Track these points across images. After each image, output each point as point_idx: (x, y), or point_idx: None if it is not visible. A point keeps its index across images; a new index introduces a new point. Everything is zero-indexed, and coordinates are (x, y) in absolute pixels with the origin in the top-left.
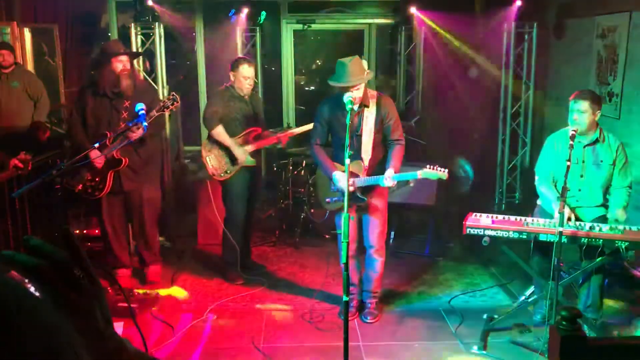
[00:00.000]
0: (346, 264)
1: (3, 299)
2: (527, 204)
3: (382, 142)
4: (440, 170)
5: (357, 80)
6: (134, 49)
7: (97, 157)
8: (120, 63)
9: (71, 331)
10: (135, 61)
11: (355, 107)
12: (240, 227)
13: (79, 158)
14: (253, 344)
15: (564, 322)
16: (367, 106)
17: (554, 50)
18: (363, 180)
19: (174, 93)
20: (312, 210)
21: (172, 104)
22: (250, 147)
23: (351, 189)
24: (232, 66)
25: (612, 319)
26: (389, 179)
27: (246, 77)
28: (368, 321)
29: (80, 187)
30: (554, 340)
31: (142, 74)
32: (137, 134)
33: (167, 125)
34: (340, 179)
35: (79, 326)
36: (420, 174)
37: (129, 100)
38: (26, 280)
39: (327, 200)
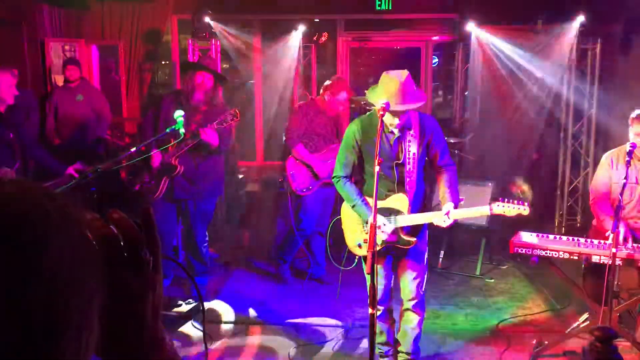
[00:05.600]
0: (372, 273)
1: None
2: (589, 226)
3: (425, 172)
4: (517, 206)
5: (412, 105)
6: None
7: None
8: (202, 78)
9: (90, 309)
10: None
11: (396, 131)
12: (306, 237)
13: (127, 155)
14: (289, 357)
15: (597, 344)
16: (410, 129)
17: (620, 66)
18: (411, 218)
19: (235, 109)
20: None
21: (232, 119)
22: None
23: (392, 238)
24: (331, 88)
25: None
26: (447, 216)
27: (342, 103)
28: None
29: (137, 187)
30: None
31: None
32: (207, 136)
33: None
34: (382, 221)
35: (119, 307)
36: (493, 210)
37: (202, 114)
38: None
39: (359, 243)
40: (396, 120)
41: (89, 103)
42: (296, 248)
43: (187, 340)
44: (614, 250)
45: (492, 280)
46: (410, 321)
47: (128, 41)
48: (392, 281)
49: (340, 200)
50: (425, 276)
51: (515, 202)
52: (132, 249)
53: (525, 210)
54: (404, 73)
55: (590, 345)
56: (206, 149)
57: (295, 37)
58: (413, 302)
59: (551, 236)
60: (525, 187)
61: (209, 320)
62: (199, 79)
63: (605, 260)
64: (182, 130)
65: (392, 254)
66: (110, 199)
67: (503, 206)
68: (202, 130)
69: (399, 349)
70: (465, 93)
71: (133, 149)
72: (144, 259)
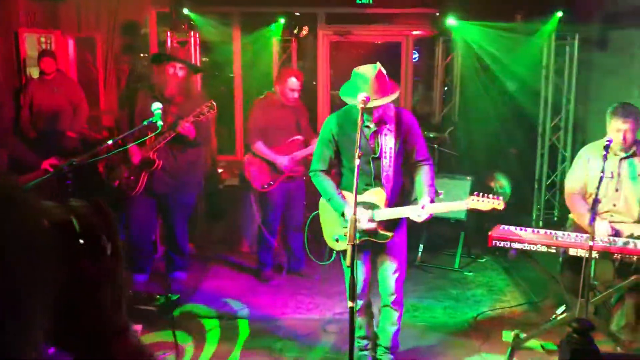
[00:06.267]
0: (352, 266)
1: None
2: (566, 221)
3: (403, 166)
4: (492, 200)
5: (387, 98)
6: None
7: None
8: (173, 69)
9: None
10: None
11: (372, 126)
12: (275, 232)
13: (101, 150)
14: (270, 352)
15: (574, 335)
16: (386, 123)
17: (596, 62)
18: (387, 212)
19: (212, 101)
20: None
21: (208, 111)
22: (294, 156)
23: (372, 225)
24: (278, 77)
25: None
26: (424, 210)
27: (293, 89)
28: None
29: (117, 182)
30: (564, 354)
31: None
32: (184, 130)
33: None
34: (360, 213)
35: (76, 295)
36: (468, 204)
37: (177, 106)
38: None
39: (336, 238)
40: (370, 115)
41: (66, 95)
42: (271, 247)
43: (165, 337)
44: (590, 243)
45: (471, 274)
46: (389, 317)
47: (105, 33)
48: (371, 275)
49: (318, 194)
50: (405, 271)
51: (490, 196)
52: (88, 236)
53: (499, 204)
54: (375, 67)
55: (567, 337)
56: (183, 141)
57: (276, 30)
58: (392, 298)
59: (529, 229)
60: (504, 182)
61: (189, 317)
62: (170, 70)
63: (582, 253)
64: (159, 123)
65: (371, 249)
66: (87, 193)
67: (478, 200)
68: (179, 122)
69: (378, 342)
70: (445, 88)
71: (110, 142)
72: (101, 245)
